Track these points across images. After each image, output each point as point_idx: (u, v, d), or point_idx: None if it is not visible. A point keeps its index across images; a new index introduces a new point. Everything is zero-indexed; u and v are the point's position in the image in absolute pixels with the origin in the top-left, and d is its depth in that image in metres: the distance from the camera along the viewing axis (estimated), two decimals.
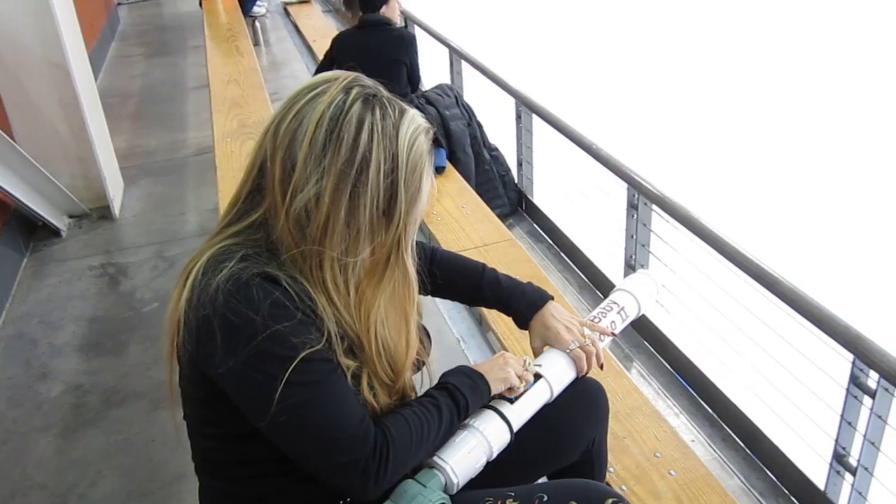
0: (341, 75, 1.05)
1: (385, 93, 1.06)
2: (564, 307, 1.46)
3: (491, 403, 1.26)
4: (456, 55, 4.73)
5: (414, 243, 1.13)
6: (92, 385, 2.60)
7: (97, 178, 3.70)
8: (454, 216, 3.14)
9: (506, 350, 2.36)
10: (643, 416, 2.01)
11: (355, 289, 1.06)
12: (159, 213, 3.92)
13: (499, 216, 3.23)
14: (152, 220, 3.85)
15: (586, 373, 1.36)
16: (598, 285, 3.32)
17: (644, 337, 3.00)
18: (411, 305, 1.14)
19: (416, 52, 3.67)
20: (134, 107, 5.79)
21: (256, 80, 4.56)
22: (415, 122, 1.05)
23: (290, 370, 0.95)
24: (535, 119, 3.78)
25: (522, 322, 1.43)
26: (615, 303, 1.50)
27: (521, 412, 1.25)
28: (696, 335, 2.75)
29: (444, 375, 1.20)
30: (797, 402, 2.31)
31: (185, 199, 4.06)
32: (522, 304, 1.42)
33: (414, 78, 3.69)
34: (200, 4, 7.28)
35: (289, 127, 1.01)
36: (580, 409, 1.40)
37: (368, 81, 1.06)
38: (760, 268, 2.25)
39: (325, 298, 1.02)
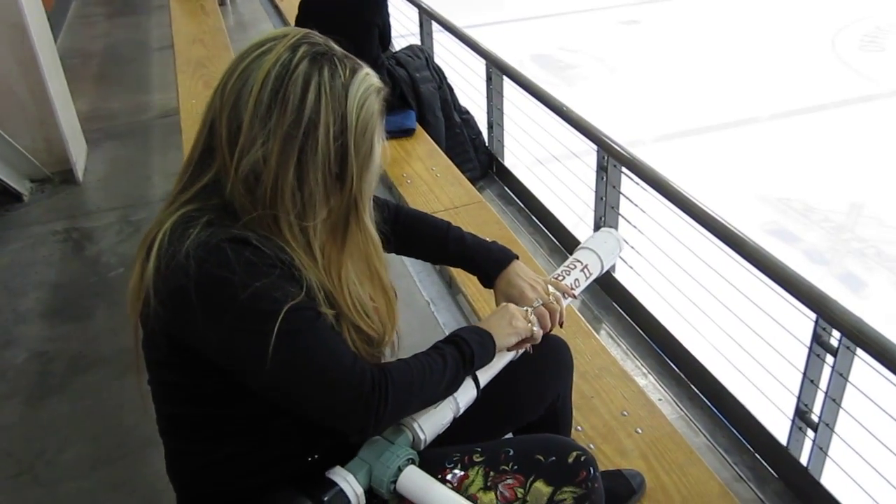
0: (290, 32, 1.02)
1: (337, 50, 1.03)
2: (532, 269, 1.46)
3: None
4: (426, 16, 4.66)
5: (371, 205, 1.11)
6: (57, 351, 2.57)
7: (59, 140, 3.62)
8: (424, 179, 3.12)
9: (476, 313, 2.37)
10: (611, 377, 2.04)
11: (321, 251, 1.04)
12: (124, 176, 3.85)
13: (469, 179, 3.21)
14: (117, 183, 3.77)
15: (550, 330, 1.36)
16: (568, 248, 3.34)
17: (613, 298, 3.02)
18: (380, 265, 1.14)
19: (387, 13, 3.61)
20: (96, 68, 5.65)
21: (222, 40, 4.47)
22: (366, 82, 1.02)
23: (279, 322, 0.94)
24: (506, 81, 3.75)
25: (487, 280, 1.43)
26: (578, 261, 1.50)
27: (487, 368, 1.25)
28: (665, 296, 2.78)
29: (452, 333, 1.20)
30: (762, 361, 2.36)
31: (150, 163, 3.99)
32: (488, 262, 1.42)
33: (385, 39, 3.63)
34: None
35: (234, 86, 0.98)
36: (545, 365, 1.41)
37: (319, 38, 1.03)
38: (727, 229, 2.27)
39: (296, 254, 1.01)
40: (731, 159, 6.54)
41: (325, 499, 1.05)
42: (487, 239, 1.47)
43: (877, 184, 6.30)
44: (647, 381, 2.64)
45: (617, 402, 1.95)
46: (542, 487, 1.18)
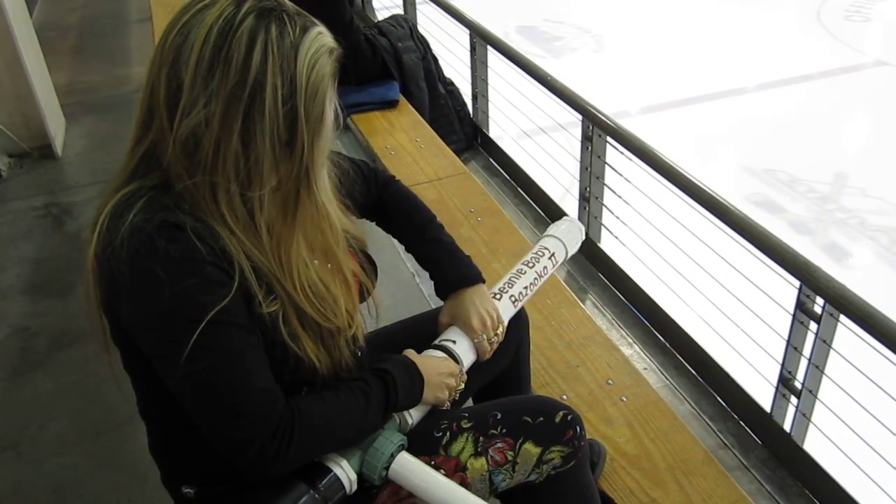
0: None
1: (288, 6, 0.95)
2: (518, 240, 1.46)
3: (443, 345, 1.28)
4: None
5: (326, 177, 1.04)
6: (39, 327, 2.54)
7: (36, 115, 3.55)
8: (408, 150, 3.09)
9: None
10: (596, 346, 2.04)
11: (268, 230, 0.98)
12: (104, 150, 3.79)
13: (454, 151, 3.19)
14: (97, 158, 3.72)
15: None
16: (553, 218, 3.33)
17: (598, 268, 3.02)
18: (336, 243, 1.07)
19: None
20: (74, 41, 5.54)
21: None
22: (318, 42, 0.95)
23: (196, 333, 0.89)
24: (491, 51, 3.72)
25: (444, 290, 1.36)
26: (546, 248, 1.53)
27: (470, 358, 1.30)
28: (650, 266, 2.79)
29: (387, 362, 1.13)
30: (747, 329, 2.36)
31: (129, 136, 3.93)
32: (452, 272, 1.35)
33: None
34: None
35: (173, 42, 0.91)
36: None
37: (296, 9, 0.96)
38: (712, 197, 2.27)
39: (233, 237, 0.94)
40: (718, 130, 6.53)
41: (321, 485, 1.05)
42: (465, 254, 1.42)
43: (861, 155, 6.32)
44: (633, 351, 2.65)
45: (602, 370, 1.95)
46: (531, 448, 1.20)
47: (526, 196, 3.59)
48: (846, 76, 7.59)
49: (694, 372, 2.55)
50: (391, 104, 3.51)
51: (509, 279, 1.45)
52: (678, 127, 6.56)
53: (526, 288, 1.44)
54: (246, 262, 0.95)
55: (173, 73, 0.91)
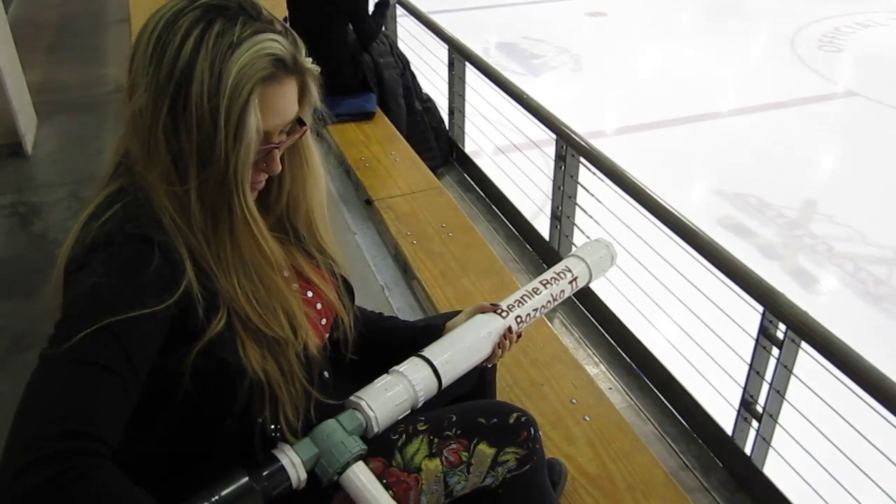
0: None
1: (250, 9, 0.93)
2: (488, 257, 1.46)
3: (422, 353, 1.22)
4: None
5: (249, 191, 0.98)
6: (0, 328, 2.50)
7: (7, 112, 3.50)
8: (382, 162, 3.10)
9: (430, 298, 2.36)
10: (561, 364, 2.06)
11: (202, 234, 0.95)
12: (75, 151, 3.74)
13: (429, 168, 3.19)
14: (68, 158, 3.67)
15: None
16: (524, 236, 3.35)
17: None
18: (269, 264, 1.01)
19: (363, 5, 3.56)
20: (49, 39, 5.48)
21: None
22: (261, 46, 0.91)
23: (85, 329, 0.81)
24: (469, 68, 3.74)
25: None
26: (569, 270, 1.41)
27: (451, 368, 1.22)
28: (618, 286, 2.80)
29: None
30: (712, 352, 2.39)
31: (103, 138, 3.89)
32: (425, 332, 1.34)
33: (364, 31, 3.57)
34: None
35: (140, 33, 0.93)
36: None
37: (250, 10, 0.93)
38: (680, 221, 2.30)
39: (178, 234, 0.92)
40: (691, 153, 6.62)
41: (265, 474, 1.00)
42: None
43: (830, 182, 6.44)
44: (599, 370, 2.67)
45: (566, 389, 1.96)
46: (485, 449, 1.21)
47: (499, 212, 3.60)
48: (818, 105, 7.73)
49: (658, 393, 2.57)
50: (368, 116, 3.51)
51: (521, 297, 1.35)
52: (653, 148, 6.63)
53: (536, 310, 1.35)
54: (192, 269, 0.92)
55: (131, 62, 0.93)
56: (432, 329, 1.34)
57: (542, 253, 3.17)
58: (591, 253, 1.46)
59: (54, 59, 5.06)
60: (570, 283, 1.39)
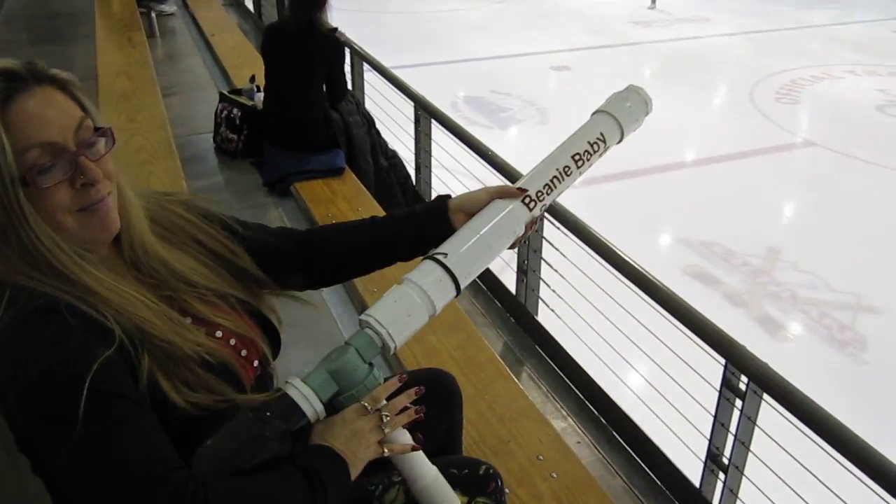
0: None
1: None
2: (451, 308, 1.47)
3: (435, 255, 1.13)
4: (357, 56, 4.70)
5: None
6: None
7: None
8: (349, 218, 3.11)
9: (396, 354, 2.35)
10: (528, 420, 2.06)
11: (57, 279, 0.94)
12: None
13: None
14: None
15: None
16: (491, 289, 3.36)
17: (535, 340, 3.05)
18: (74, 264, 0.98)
19: (341, 60, 3.63)
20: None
21: (148, 74, 4.41)
22: None
23: (77, 405, 0.84)
24: (434, 124, 3.80)
25: (439, 211, 1.23)
26: (602, 137, 1.24)
27: (468, 272, 1.12)
28: (585, 340, 2.82)
29: (309, 455, 1.01)
30: (678, 404, 2.40)
31: None
32: (428, 215, 1.23)
33: (337, 86, 3.63)
34: None
35: None
36: (436, 400, 1.42)
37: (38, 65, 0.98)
38: (642, 274, 2.33)
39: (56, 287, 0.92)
40: (657, 202, 6.74)
41: (269, 412, 0.94)
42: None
43: (792, 230, 6.58)
44: (567, 424, 2.66)
45: (533, 446, 1.96)
46: (459, 497, 1.23)
47: None
48: (778, 154, 7.94)
49: (626, 446, 2.56)
50: (337, 172, 3.55)
51: (551, 180, 1.20)
52: (619, 198, 6.74)
53: (559, 191, 1.20)
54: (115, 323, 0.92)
55: None
56: (435, 213, 1.23)
57: (510, 307, 3.18)
58: (619, 106, 1.28)
59: None
60: (595, 145, 1.24)
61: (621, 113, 1.25)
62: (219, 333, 1.07)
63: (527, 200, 1.16)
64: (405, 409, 1.07)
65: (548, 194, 1.18)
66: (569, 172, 1.19)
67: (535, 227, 1.21)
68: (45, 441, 0.87)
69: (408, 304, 1.06)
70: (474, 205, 1.20)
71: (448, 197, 1.25)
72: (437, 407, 1.45)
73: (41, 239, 0.93)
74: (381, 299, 1.06)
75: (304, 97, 3.52)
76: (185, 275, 1.09)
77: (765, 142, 8.10)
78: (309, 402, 0.96)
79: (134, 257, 1.06)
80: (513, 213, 1.15)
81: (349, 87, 4.61)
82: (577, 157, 1.21)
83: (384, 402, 1.06)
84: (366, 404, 1.03)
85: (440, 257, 1.10)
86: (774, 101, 9.28)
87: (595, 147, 1.22)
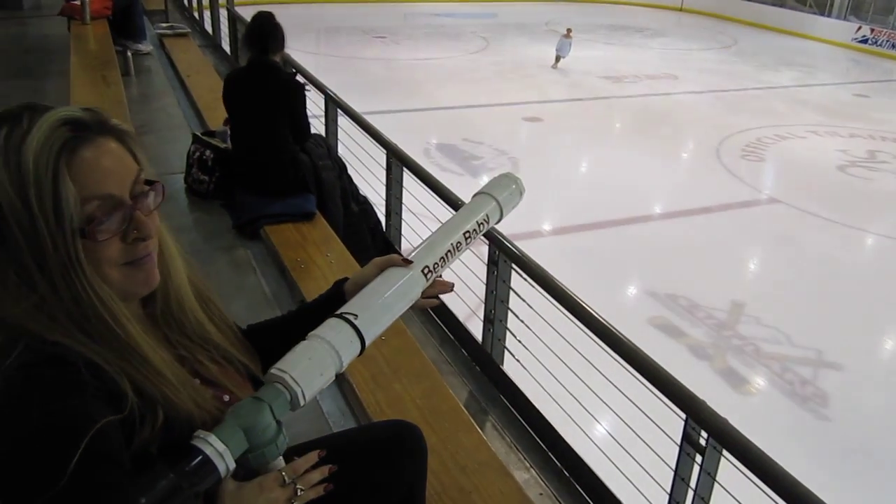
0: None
1: (34, 106, 0.94)
2: (421, 361, 1.47)
3: (342, 313, 1.13)
4: (332, 103, 4.75)
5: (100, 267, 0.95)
6: None
7: None
8: (318, 264, 3.12)
9: (361, 401, 2.34)
10: (491, 471, 2.06)
11: (82, 333, 0.92)
12: None
13: None
14: None
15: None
16: (458, 338, 3.37)
17: (500, 390, 3.05)
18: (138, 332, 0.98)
19: (302, 102, 3.66)
20: None
21: (122, 113, 4.40)
22: (50, 121, 0.91)
23: (72, 463, 0.80)
24: (406, 172, 3.84)
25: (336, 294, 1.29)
26: (484, 215, 1.36)
27: (373, 324, 1.13)
28: (550, 391, 2.84)
29: None
30: (639, 457, 2.42)
31: None
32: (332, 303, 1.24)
33: (300, 128, 3.66)
34: (69, 28, 6.96)
35: None
36: (399, 454, 1.44)
37: (38, 105, 0.95)
38: (606, 328, 2.35)
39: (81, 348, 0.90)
40: (624, 255, 6.83)
41: (187, 469, 0.89)
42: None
43: (756, 285, 6.70)
44: (530, 476, 2.65)
45: (495, 498, 1.96)
46: None
47: (433, 315, 3.63)
48: (743, 210, 8.13)
49: (589, 499, 2.56)
50: (308, 216, 3.56)
51: (427, 245, 1.29)
52: (587, 249, 6.83)
53: (443, 259, 1.28)
54: (120, 376, 0.91)
55: None
56: (335, 297, 1.27)
57: (475, 356, 3.19)
58: (500, 190, 1.39)
59: None
60: (481, 224, 1.35)
61: (503, 196, 1.39)
62: (226, 398, 1.07)
63: (425, 270, 1.25)
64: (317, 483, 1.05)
65: (441, 266, 1.28)
66: (460, 248, 1.31)
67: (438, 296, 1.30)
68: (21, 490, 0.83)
69: (320, 362, 1.04)
70: (367, 280, 1.23)
71: (345, 280, 1.31)
72: (403, 461, 1.46)
73: (97, 291, 0.92)
74: (291, 354, 1.04)
75: (269, 141, 3.55)
76: (209, 332, 1.09)
77: (730, 198, 8.29)
78: (223, 459, 0.93)
79: (165, 310, 1.06)
80: (412, 279, 1.24)
81: (322, 132, 4.66)
82: (467, 235, 1.33)
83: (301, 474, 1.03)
84: (284, 475, 1.00)
85: (350, 318, 1.11)
86: (740, 157, 9.52)
87: (481, 226, 1.35)
